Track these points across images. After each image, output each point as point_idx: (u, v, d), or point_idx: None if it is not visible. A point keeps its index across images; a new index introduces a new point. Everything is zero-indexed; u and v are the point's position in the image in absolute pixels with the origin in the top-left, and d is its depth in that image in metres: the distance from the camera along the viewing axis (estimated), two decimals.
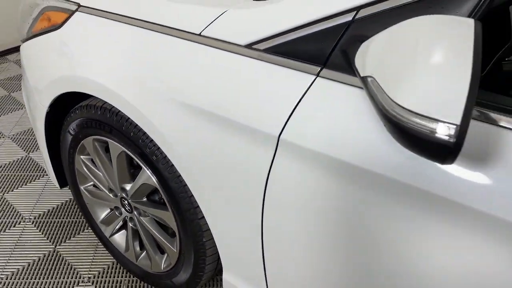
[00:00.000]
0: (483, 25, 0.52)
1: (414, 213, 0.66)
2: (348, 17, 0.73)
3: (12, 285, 1.40)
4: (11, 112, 2.38)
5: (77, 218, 1.68)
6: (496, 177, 0.59)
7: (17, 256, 1.51)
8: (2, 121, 2.29)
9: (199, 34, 0.91)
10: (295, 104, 0.78)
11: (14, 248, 1.54)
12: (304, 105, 0.77)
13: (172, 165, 1.04)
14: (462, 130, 0.45)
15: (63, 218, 1.67)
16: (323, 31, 0.76)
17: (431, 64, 0.49)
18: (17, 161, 1.98)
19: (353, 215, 0.76)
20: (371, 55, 0.60)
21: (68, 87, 1.17)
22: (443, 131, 0.46)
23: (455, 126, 0.46)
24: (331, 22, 0.75)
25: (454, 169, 0.62)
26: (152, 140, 1.06)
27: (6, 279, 1.43)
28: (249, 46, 0.84)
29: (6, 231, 1.61)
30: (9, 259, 1.50)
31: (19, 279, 1.43)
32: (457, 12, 0.62)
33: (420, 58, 0.50)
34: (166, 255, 1.31)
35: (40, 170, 1.92)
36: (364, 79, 0.59)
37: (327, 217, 0.80)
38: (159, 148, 1.05)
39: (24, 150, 2.05)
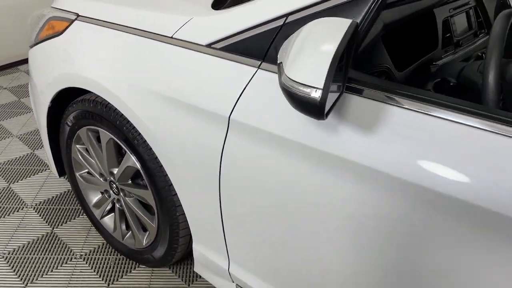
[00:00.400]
0: (412, 29, 0.70)
1: (331, 174, 0.85)
2: (280, 22, 0.93)
3: (13, 260, 1.59)
4: (19, 115, 2.60)
5: (74, 206, 1.87)
6: (372, 138, 0.78)
7: (19, 236, 1.70)
8: (11, 123, 2.51)
9: (171, 37, 1.12)
10: (242, 90, 0.98)
11: (16, 229, 1.73)
12: (248, 91, 0.97)
13: (150, 148, 1.24)
14: (324, 92, 0.64)
15: (61, 206, 1.87)
16: (263, 33, 0.96)
17: (312, 49, 0.69)
18: (23, 157, 2.18)
19: (291, 183, 0.94)
20: (284, 47, 0.80)
21: (67, 83, 1.38)
22: (313, 94, 0.65)
23: (320, 90, 0.65)
24: (268, 25, 0.95)
25: (334, 127, 0.81)
26: (134, 127, 1.25)
27: (8, 254, 1.62)
28: (209, 45, 1.05)
29: (10, 215, 1.80)
30: (11, 238, 1.69)
31: (19, 255, 1.61)
32: (354, 16, 0.82)
33: (307, 45, 0.70)
34: (147, 232, 1.49)
35: (43, 165, 2.13)
36: (278, 65, 0.79)
37: (272, 189, 0.98)
38: (140, 133, 1.25)
39: (30, 148, 2.26)
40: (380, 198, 0.79)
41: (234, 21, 1.01)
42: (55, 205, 1.87)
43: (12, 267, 1.56)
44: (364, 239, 0.86)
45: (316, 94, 0.66)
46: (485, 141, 0.70)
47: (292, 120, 0.89)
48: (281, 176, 0.94)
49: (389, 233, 0.81)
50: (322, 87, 0.65)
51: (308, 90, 0.67)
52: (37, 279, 1.53)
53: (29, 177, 2.04)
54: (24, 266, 1.57)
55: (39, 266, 1.57)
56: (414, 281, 0.82)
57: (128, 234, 1.58)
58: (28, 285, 1.50)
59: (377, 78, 0.90)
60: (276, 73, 0.93)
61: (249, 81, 0.97)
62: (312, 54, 0.68)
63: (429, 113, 0.75)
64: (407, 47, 1.25)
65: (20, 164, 2.13)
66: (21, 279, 1.52)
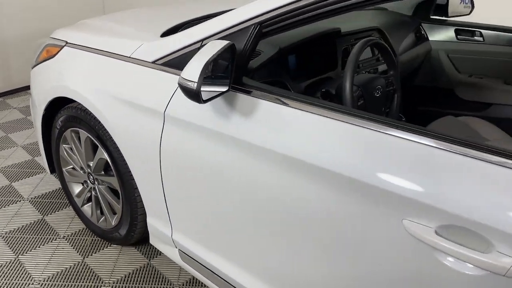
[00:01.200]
0: (313, 52, 1.07)
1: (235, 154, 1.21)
2: (198, 44, 1.32)
3: (8, 238, 1.95)
4: (25, 130, 3.01)
5: (62, 200, 2.23)
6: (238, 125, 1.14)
7: (15, 221, 2.06)
8: (17, 136, 2.92)
9: (129, 56, 1.51)
10: (173, 93, 1.35)
11: (13, 216, 2.10)
12: (178, 93, 1.34)
13: (115, 142, 1.61)
14: (198, 84, 1.02)
15: (52, 199, 2.23)
16: (188, 52, 1.34)
17: (198, 58, 1.06)
18: (24, 162, 2.57)
19: (207, 162, 1.29)
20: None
21: (57, 94, 1.77)
22: (192, 85, 1.03)
23: (196, 83, 1.02)
24: (191, 47, 1.33)
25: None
26: (103, 125, 1.63)
27: (6, 234, 1.98)
28: (153, 62, 1.43)
29: (9, 206, 2.17)
30: (8, 223, 2.05)
31: (15, 234, 1.97)
32: (238, 40, 1.20)
33: (196, 56, 1.08)
34: (116, 215, 1.84)
35: (40, 168, 2.51)
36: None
37: (196, 168, 1.33)
38: (107, 131, 1.62)
39: (31, 155, 2.65)
40: (253, 165, 1.14)
41: (170, 44, 1.40)
42: (47, 199, 2.24)
43: (7, 242, 1.92)
44: (255, 201, 1.20)
45: (194, 86, 1.03)
46: (336, 128, 1.03)
47: (203, 111, 1.25)
48: (200, 157, 1.29)
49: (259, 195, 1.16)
50: (197, 81, 1.02)
51: (189, 83, 1.04)
52: (27, 252, 1.87)
53: (28, 177, 2.42)
54: (18, 243, 1.92)
55: (29, 244, 1.93)
56: (317, 254, 1.15)
57: (102, 218, 1.93)
58: (19, 256, 1.85)
59: (266, 84, 1.27)
60: None
61: (178, 87, 1.35)
62: (197, 61, 1.06)
63: (290, 106, 1.10)
64: (307, 65, 1.63)
65: (22, 167, 2.52)
66: (14, 252, 1.87)
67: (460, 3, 2.26)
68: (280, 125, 1.10)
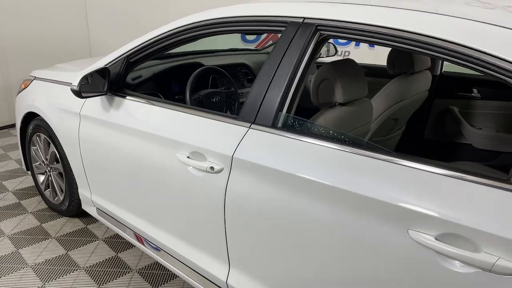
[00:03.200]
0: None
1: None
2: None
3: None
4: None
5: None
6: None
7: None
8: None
9: (66, 82, 2.39)
10: (85, 100, 2.21)
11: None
12: (87, 100, 2.19)
13: (58, 137, 2.45)
14: (78, 87, 1.87)
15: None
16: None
17: (79, 74, 1.92)
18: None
19: (107, 144, 2.11)
20: None
21: (27, 110, 2.66)
22: (76, 88, 1.89)
23: (76, 86, 1.87)
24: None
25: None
26: (51, 128, 2.48)
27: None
28: None
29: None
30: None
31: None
32: (116, 67, 2.05)
33: (82, 71, 1.93)
34: (63, 193, 2.65)
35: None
36: None
37: (101, 149, 2.15)
38: (53, 131, 2.47)
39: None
40: (130, 141, 1.96)
41: (98, 64, 2.27)
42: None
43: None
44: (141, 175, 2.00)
45: (76, 88, 1.89)
46: (178, 116, 1.87)
47: (99, 110, 2.09)
48: (100, 140, 2.11)
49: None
50: (77, 85, 1.88)
51: (74, 87, 1.90)
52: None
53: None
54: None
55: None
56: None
57: (56, 198, 2.74)
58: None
59: (137, 93, 2.10)
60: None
61: None
62: (79, 76, 1.92)
63: (156, 105, 1.93)
64: (180, 85, 2.49)
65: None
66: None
67: (326, 50, 3.12)
68: (146, 115, 1.91)
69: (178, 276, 2.12)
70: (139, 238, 2.07)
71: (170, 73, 2.46)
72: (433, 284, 1.08)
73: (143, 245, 2.06)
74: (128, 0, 4.99)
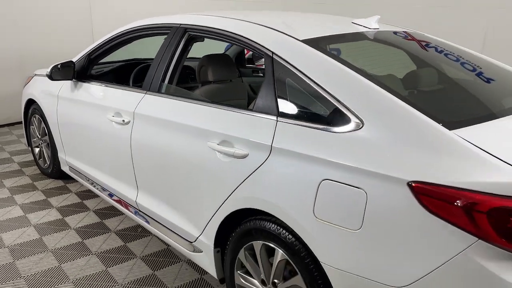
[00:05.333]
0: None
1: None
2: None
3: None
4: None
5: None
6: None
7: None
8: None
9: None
10: (62, 85, 3.10)
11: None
12: (65, 85, 3.09)
13: (45, 115, 3.35)
14: (50, 72, 2.76)
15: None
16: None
17: (53, 67, 2.81)
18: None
19: (73, 115, 2.98)
20: None
21: (28, 97, 3.60)
22: (48, 73, 2.77)
23: (49, 72, 2.77)
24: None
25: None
26: (42, 109, 3.38)
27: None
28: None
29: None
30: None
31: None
32: (81, 61, 2.94)
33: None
34: (49, 159, 3.53)
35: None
36: None
37: (71, 120, 3.03)
38: (43, 111, 3.37)
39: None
40: (86, 111, 2.82)
41: (74, 59, 3.16)
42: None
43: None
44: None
45: (48, 73, 2.78)
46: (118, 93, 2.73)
47: (69, 91, 2.97)
48: (69, 113, 2.99)
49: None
50: (49, 71, 2.76)
51: (47, 73, 2.79)
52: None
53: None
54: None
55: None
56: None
57: (45, 164, 3.63)
58: None
59: (96, 80, 2.96)
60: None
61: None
62: (51, 66, 2.81)
63: (106, 86, 2.80)
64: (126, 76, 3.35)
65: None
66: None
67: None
68: (100, 94, 2.77)
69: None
70: (93, 184, 2.91)
71: (120, 68, 3.37)
72: (214, 167, 1.87)
73: (95, 188, 2.89)
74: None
